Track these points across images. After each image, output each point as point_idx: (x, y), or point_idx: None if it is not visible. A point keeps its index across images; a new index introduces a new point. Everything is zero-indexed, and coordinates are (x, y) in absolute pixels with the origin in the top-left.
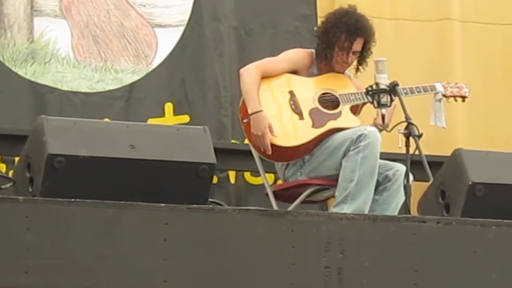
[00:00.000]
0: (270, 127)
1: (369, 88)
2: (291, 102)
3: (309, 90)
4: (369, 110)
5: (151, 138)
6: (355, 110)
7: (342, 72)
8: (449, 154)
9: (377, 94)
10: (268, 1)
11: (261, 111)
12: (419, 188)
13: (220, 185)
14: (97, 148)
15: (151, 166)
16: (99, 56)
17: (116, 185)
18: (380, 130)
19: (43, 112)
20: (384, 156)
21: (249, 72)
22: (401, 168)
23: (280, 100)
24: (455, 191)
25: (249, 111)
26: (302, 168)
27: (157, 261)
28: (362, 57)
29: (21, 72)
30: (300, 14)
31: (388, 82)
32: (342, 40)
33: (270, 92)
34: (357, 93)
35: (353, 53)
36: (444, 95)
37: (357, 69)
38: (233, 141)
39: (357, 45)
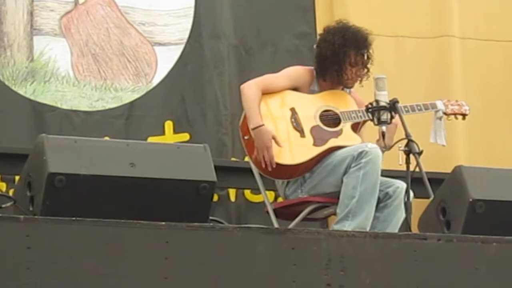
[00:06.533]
0: (274, 139)
1: (369, 106)
2: (293, 120)
3: (310, 107)
4: (372, 128)
5: (151, 156)
6: (356, 127)
7: (352, 87)
8: (449, 171)
9: (377, 112)
10: (267, 19)
11: (263, 125)
12: (419, 205)
13: (221, 203)
14: (98, 166)
15: (151, 185)
16: (99, 75)
17: (116, 203)
18: (383, 151)
19: (43, 131)
20: (385, 173)
21: (250, 87)
22: (401, 185)
23: (281, 117)
24: (456, 208)
25: (251, 126)
26: (303, 185)
27: (158, 280)
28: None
29: (21, 91)
30: (299, 32)
31: (388, 99)
32: (352, 56)
33: (270, 109)
34: (358, 110)
35: (364, 64)
36: (445, 113)
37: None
38: (233, 159)
39: (365, 57)
